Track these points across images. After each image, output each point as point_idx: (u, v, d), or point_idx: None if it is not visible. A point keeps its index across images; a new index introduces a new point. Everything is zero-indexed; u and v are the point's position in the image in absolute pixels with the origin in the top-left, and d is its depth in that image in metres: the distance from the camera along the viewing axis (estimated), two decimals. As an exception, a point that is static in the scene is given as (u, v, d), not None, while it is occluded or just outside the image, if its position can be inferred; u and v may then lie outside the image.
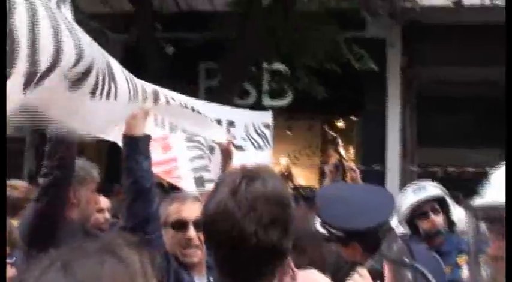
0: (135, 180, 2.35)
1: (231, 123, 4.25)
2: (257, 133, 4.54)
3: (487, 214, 1.51)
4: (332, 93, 8.66)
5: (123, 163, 2.39)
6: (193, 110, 3.04)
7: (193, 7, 9.00)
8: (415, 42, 9.38)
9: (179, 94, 3.18)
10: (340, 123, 12.02)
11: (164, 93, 2.71)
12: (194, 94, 8.85)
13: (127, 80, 2.10)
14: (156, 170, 3.54)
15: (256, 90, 9.95)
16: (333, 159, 12.33)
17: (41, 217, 2.59)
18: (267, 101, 10.08)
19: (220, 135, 3.47)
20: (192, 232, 2.49)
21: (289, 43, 7.98)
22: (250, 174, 1.45)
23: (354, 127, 11.11)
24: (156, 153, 3.45)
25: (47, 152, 2.54)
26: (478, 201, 1.55)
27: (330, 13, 7.79)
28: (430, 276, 2.07)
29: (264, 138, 4.58)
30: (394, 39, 9.58)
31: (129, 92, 2.10)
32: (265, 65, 9.40)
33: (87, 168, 2.99)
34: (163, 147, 3.52)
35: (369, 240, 2.33)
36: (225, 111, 4.33)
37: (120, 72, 2.01)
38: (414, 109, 10.34)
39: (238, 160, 3.45)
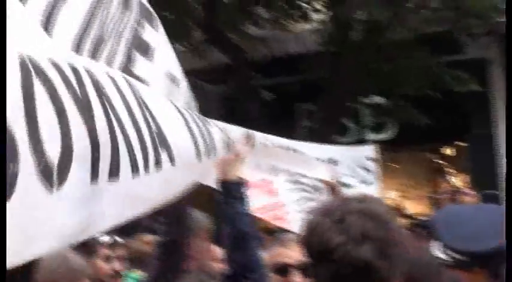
0: (232, 225, 2.29)
1: (333, 162, 4.22)
2: (362, 168, 4.48)
3: None
4: (435, 120, 8.43)
5: (219, 209, 2.35)
6: (294, 151, 3.05)
7: (286, 51, 9.14)
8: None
9: (277, 137, 3.19)
10: (446, 150, 11.64)
11: (260, 136, 2.73)
12: (294, 135, 8.97)
13: (221, 130, 2.14)
14: (264, 215, 3.55)
15: (356, 126, 9.88)
16: (443, 187, 11.92)
17: (161, 273, 2.57)
18: (368, 135, 9.96)
19: (324, 174, 3.45)
20: (295, 277, 2.42)
21: (384, 74, 7.90)
22: (347, 197, 1.47)
23: (461, 153, 10.71)
24: (261, 198, 3.48)
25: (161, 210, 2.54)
26: None
27: (423, 39, 7.65)
28: None
29: (369, 173, 4.51)
30: (495, 57, 9.23)
31: (223, 143, 2.14)
32: (362, 100, 9.33)
33: (199, 218, 3.00)
34: (269, 192, 3.54)
35: (493, 264, 2.17)
36: (326, 150, 4.31)
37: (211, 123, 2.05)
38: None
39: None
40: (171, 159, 1.63)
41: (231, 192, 2.33)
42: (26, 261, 1.04)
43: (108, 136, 1.26)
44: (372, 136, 9.86)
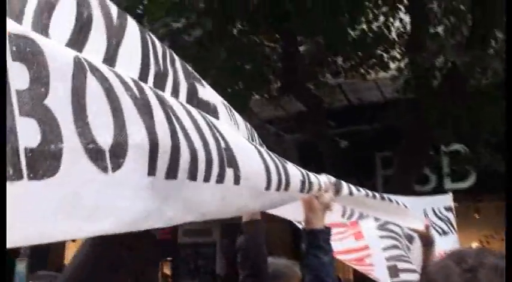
0: (315, 275, 2.23)
1: (417, 212, 4.14)
2: (439, 218, 4.37)
3: None
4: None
5: (303, 258, 2.30)
6: (383, 199, 3.00)
7: (363, 99, 9.15)
8: None
9: (360, 187, 3.18)
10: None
11: (347, 184, 2.71)
12: (372, 184, 8.90)
13: (301, 172, 2.14)
14: (347, 257, 3.51)
15: (436, 175, 9.66)
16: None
17: None
18: (448, 184, 9.71)
19: (417, 223, 3.37)
20: None
21: (464, 122, 7.74)
22: (483, 249, 1.44)
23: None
24: (348, 241, 3.45)
25: (238, 262, 2.47)
26: None
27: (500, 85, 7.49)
28: None
29: (447, 223, 4.38)
30: None
31: (302, 184, 2.13)
32: (442, 148, 9.15)
33: (288, 266, 2.91)
34: (355, 236, 3.51)
35: None
36: (402, 199, 4.24)
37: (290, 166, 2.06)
38: None
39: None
40: (237, 178, 1.62)
41: (317, 241, 2.30)
42: (89, 235, 1.09)
43: (169, 138, 1.28)
44: (452, 185, 9.62)
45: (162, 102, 1.33)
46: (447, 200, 4.65)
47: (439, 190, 9.52)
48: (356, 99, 9.15)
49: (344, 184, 2.65)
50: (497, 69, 7.21)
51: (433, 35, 7.31)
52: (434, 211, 4.39)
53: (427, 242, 3.28)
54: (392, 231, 3.58)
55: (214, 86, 1.98)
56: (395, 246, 3.58)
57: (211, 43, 6.91)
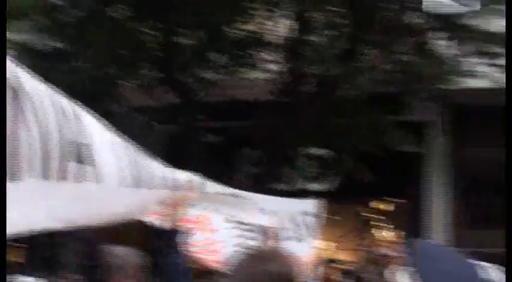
0: (167, 272, 2.37)
1: (274, 213, 4.23)
2: (301, 223, 4.49)
3: None
4: (377, 176, 8.63)
5: (157, 254, 2.42)
6: (236, 197, 3.13)
7: (237, 97, 9.22)
8: (460, 125, 9.37)
9: (221, 185, 3.26)
10: (383, 206, 11.89)
11: (208, 182, 2.78)
12: (235, 180, 9.01)
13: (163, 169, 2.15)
14: (199, 249, 3.61)
15: (299, 176, 9.96)
16: (381, 244, 12.14)
17: None
18: (309, 186, 10.06)
19: (265, 222, 3.53)
20: None
21: (333, 128, 8.06)
22: (255, 255, 1.52)
23: (399, 210, 10.98)
24: (201, 234, 3.54)
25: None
26: None
27: (373, 97, 7.89)
28: None
29: (307, 228, 4.51)
30: (435, 121, 9.61)
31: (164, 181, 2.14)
32: (307, 150, 9.45)
33: (126, 254, 2.98)
34: (207, 229, 3.59)
35: None
36: (268, 201, 4.31)
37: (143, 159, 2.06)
38: (463, 190, 10.21)
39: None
40: (97, 176, 1.61)
41: (170, 240, 2.40)
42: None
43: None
44: (312, 186, 9.98)
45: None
46: (311, 205, 4.75)
47: (301, 191, 9.86)
48: (230, 97, 9.20)
49: (205, 182, 2.71)
50: (367, 83, 7.61)
51: (311, 43, 7.54)
52: (297, 215, 4.49)
53: (272, 241, 3.44)
54: (242, 225, 3.70)
55: (88, 68, 1.91)
56: (246, 238, 3.69)
57: (89, 23, 6.65)
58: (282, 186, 9.48)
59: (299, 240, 4.40)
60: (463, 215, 10.27)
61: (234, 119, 9.62)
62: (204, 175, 3.67)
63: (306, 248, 4.40)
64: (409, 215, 10.26)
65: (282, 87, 8.15)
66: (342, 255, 11.80)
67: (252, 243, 3.66)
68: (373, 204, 11.82)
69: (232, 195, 3.13)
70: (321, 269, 10.92)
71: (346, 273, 10.30)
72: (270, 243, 3.50)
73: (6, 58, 0.90)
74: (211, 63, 8.38)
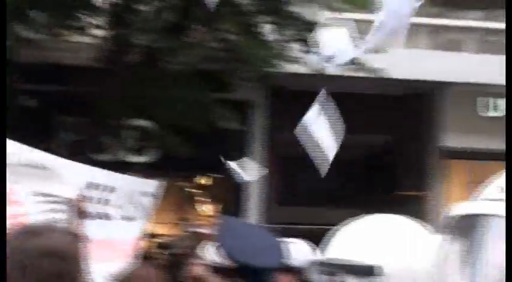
0: None
1: (95, 185, 4.06)
2: (134, 203, 4.33)
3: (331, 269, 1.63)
4: (196, 151, 8.70)
5: None
6: (44, 169, 3.02)
7: (58, 60, 8.75)
8: (278, 106, 9.76)
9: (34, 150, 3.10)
10: (203, 181, 12.07)
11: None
12: (52, 148, 8.59)
13: None
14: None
15: (117, 146, 9.74)
16: (199, 219, 12.33)
17: None
18: (128, 157, 9.89)
19: (71, 193, 3.43)
20: None
21: (154, 100, 7.97)
22: (30, 231, 1.47)
23: (218, 185, 11.20)
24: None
25: None
26: (324, 256, 1.66)
27: (198, 74, 7.92)
28: None
29: (138, 208, 4.37)
30: (261, 102, 9.92)
31: None
32: (128, 121, 9.25)
33: None
34: (11, 202, 3.44)
35: (254, 278, 2.55)
36: (101, 175, 4.13)
37: None
38: (276, 169, 10.67)
39: (107, 228, 3.41)
40: None
41: None
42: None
43: None
44: (132, 158, 9.84)
45: None
46: (150, 186, 4.58)
47: (118, 162, 9.66)
48: (52, 59, 8.71)
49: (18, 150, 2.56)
50: (193, 58, 7.61)
51: (138, 12, 7.36)
52: (132, 195, 4.32)
53: (79, 214, 3.37)
54: (50, 198, 3.60)
55: None
56: (54, 211, 3.58)
57: None
58: (102, 157, 9.23)
59: (129, 219, 4.28)
60: (277, 193, 10.78)
61: (55, 83, 9.14)
62: (19, 141, 3.44)
63: (136, 227, 4.29)
64: (228, 191, 10.53)
65: (106, 54, 7.88)
66: (162, 230, 11.82)
67: (59, 216, 3.52)
68: (195, 179, 11.96)
69: (41, 166, 2.96)
70: (142, 244, 10.88)
71: (162, 247, 10.33)
72: (79, 217, 3.37)
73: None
74: (32, 22, 7.86)
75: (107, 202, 4.08)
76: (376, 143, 11.15)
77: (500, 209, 1.15)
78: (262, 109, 10.04)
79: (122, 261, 3.73)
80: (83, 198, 3.49)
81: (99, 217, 3.95)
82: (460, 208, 1.03)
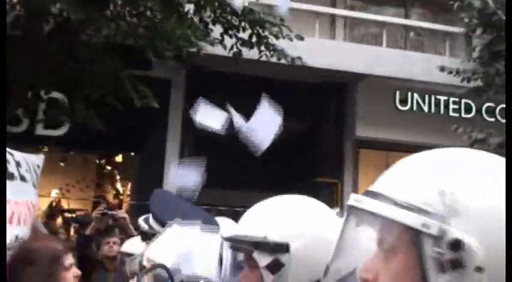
0: None
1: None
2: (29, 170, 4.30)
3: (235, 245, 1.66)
4: (112, 128, 8.50)
5: None
6: None
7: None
8: (198, 86, 9.67)
9: None
10: (118, 158, 11.87)
11: None
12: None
13: None
14: None
15: (29, 118, 9.39)
16: (109, 193, 12.12)
17: None
18: (40, 130, 9.57)
19: None
20: None
21: (69, 72, 7.70)
22: None
23: (133, 163, 11.03)
24: None
25: None
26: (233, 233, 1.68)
27: (116, 49, 7.70)
28: None
29: (32, 174, 4.34)
30: (179, 81, 9.80)
31: None
32: (41, 93, 8.91)
33: None
34: None
35: None
36: None
37: None
38: (192, 150, 10.60)
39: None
40: None
41: None
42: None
43: None
44: (43, 131, 9.54)
45: None
46: (40, 160, 4.62)
47: (30, 134, 9.33)
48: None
49: None
50: (108, 32, 7.40)
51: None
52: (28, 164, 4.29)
53: None
54: None
55: None
56: None
57: None
58: (12, 129, 8.89)
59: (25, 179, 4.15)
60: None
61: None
62: None
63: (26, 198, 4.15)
64: (145, 170, 10.38)
65: (19, 21, 7.52)
66: (76, 206, 11.56)
67: None
68: (107, 155, 11.74)
69: None
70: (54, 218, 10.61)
71: (74, 222, 10.14)
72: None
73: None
74: None
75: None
76: (294, 129, 11.27)
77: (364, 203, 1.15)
78: (180, 88, 9.92)
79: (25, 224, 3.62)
80: None
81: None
82: (351, 198, 1.04)
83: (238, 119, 2.90)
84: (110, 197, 12.27)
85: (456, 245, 0.88)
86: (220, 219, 3.81)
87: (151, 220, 3.14)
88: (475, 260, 0.87)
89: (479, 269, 0.87)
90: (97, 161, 12.25)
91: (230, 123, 2.91)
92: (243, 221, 1.65)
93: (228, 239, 1.68)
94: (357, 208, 1.03)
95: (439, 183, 0.95)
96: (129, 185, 11.75)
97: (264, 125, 2.72)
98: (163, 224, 2.93)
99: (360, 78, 10.48)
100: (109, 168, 12.40)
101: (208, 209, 8.88)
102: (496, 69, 8.72)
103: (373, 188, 1.04)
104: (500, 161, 1.00)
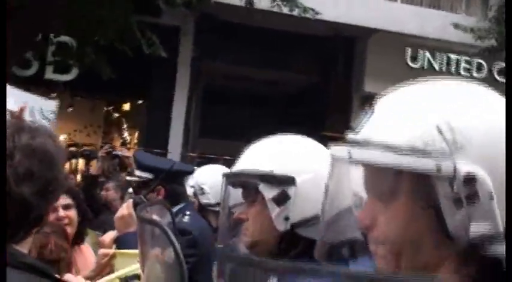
0: None
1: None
2: (44, 118, 4.39)
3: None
4: (120, 75, 8.47)
5: None
6: None
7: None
8: (207, 36, 9.57)
9: None
10: (126, 106, 11.88)
11: None
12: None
13: None
14: None
15: (39, 62, 9.37)
16: (115, 141, 12.18)
17: None
18: (49, 74, 9.57)
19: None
20: None
21: (80, 17, 7.63)
22: (21, 126, 1.43)
23: (140, 111, 11.04)
24: None
25: None
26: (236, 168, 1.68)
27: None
28: None
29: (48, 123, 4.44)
30: (188, 29, 9.69)
31: None
32: (51, 36, 8.87)
33: None
34: None
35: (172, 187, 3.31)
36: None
37: None
38: (200, 100, 10.58)
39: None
40: None
41: None
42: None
43: None
44: (52, 75, 9.54)
45: None
46: (52, 105, 4.73)
47: (39, 78, 9.33)
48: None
49: None
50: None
51: None
52: (41, 111, 4.37)
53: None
54: None
55: None
56: None
57: None
58: (19, 71, 8.89)
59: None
60: (198, 124, 10.73)
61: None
62: None
63: None
64: (151, 119, 10.39)
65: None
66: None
67: None
68: (115, 102, 11.75)
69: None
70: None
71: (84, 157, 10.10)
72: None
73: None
74: None
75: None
76: (303, 82, 11.20)
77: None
78: (190, 37, 9.82)
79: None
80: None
81: None
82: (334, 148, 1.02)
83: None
84: (117, 145, 12.32)
85: (469, 180, 0.88)
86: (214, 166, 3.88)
87: (137, 172, 3.40)
88: (488, 189, 0.88)
89: (490, 197, 0.88)
90: (105, 108, 12.26)
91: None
92: (247, 156, 1.66)
93: (232, 175, 1.69)
94: (344, 159, 0.99)
95: (435, 119, 0.92)
96: (136, 134, 11.78)
97: None
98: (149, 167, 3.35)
99: (371, 33, 10.34)
100: (116, 115, 12.42)
101: (214, 158, 8.99)
102: (511, 28, 8.56)
103: (361, 135, 1.00)
104: (490, 90, 0.98)
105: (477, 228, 0.88)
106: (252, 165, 1.61)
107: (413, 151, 0.91)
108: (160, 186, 3.27)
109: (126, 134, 12.73)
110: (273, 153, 1.63)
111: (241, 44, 9.63)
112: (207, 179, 3.66)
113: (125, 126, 12.56)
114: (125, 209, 2.63)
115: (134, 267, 2.11)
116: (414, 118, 0.94)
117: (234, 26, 9.47)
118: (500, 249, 0.88)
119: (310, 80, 11.01)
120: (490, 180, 0.88)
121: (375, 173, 0.98)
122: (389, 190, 0.96)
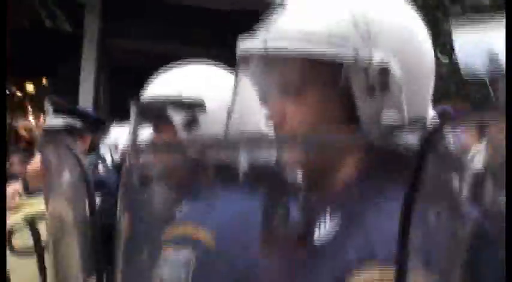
0: None
1: None
2: None
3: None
4: (22, 52, 8.13)
5: None
6: None
7: None
8: (115, 11, 9.32)
9: None
10: (30, 85, 11.44)
11: None
12: None
13: None
14: None
15: None
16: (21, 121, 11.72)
17: None
18: None
19: None
20: None
21: None
22: None
23: (46, 90, 10.68)
24: None
25: None
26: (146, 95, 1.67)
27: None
28: None
29: None
30: (94, 4, 9.40)
31: None
32: None
33: None
34: None
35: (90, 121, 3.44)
36: None
37: None
38: (108, 76, 10.36)
39: None
40: None
41: None
42: None
43: None
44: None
45: None
46: None
47: None
48: None
49: None
50: None
51: None
52: None
53: None
54: None
55: None
56: None
57: None
58: None
59: None
60: (107, 104, 10.51)
61: None
62: None
63: None
64: (56, 94, 10.05)
65: None
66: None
67: None
68: (17, 81, 11.29)
69: None
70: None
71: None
72: None
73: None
74: None
75: None
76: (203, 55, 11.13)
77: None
78: (97, 12, 9.54)
79: None
80: None
81: None
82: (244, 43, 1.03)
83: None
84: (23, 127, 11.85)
85: (382, 69, 0.91)
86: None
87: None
88: (398, 81, 0.92)
89: (400, 89, 0.93)
90: (9, 87, 11.74)
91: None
92: (154, 83, 1.65)
93: (138, 103, 1.66)
94: (257, 53, 1.01)
95: (352, 11, 0.94)
96: (42, 117, 11.38)
97: None
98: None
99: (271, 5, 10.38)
100: (19, 94, 11.93)
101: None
102: None
103: (275, 27, 1.01)
104: None
105: (387, 116, 0.93)
106: (159, 91, 1.59)
107: (330, 40, 0.93)
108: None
109: (30, 117, 12.26)
110: (181, 78, 1.62)
111: (148, 19, 9.44)
112: (121, 137, 3.73)
113: (29, 107, 12.08)
114: (37, 161, 2.55)
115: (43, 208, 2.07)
116: (331, 8, 0.96)
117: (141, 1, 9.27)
118: (404, 138, 0.93)
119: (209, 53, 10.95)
120: (400, 73, 0.93)
121: (285, 66, 0.98)
122: (300, 82, 0.97)
